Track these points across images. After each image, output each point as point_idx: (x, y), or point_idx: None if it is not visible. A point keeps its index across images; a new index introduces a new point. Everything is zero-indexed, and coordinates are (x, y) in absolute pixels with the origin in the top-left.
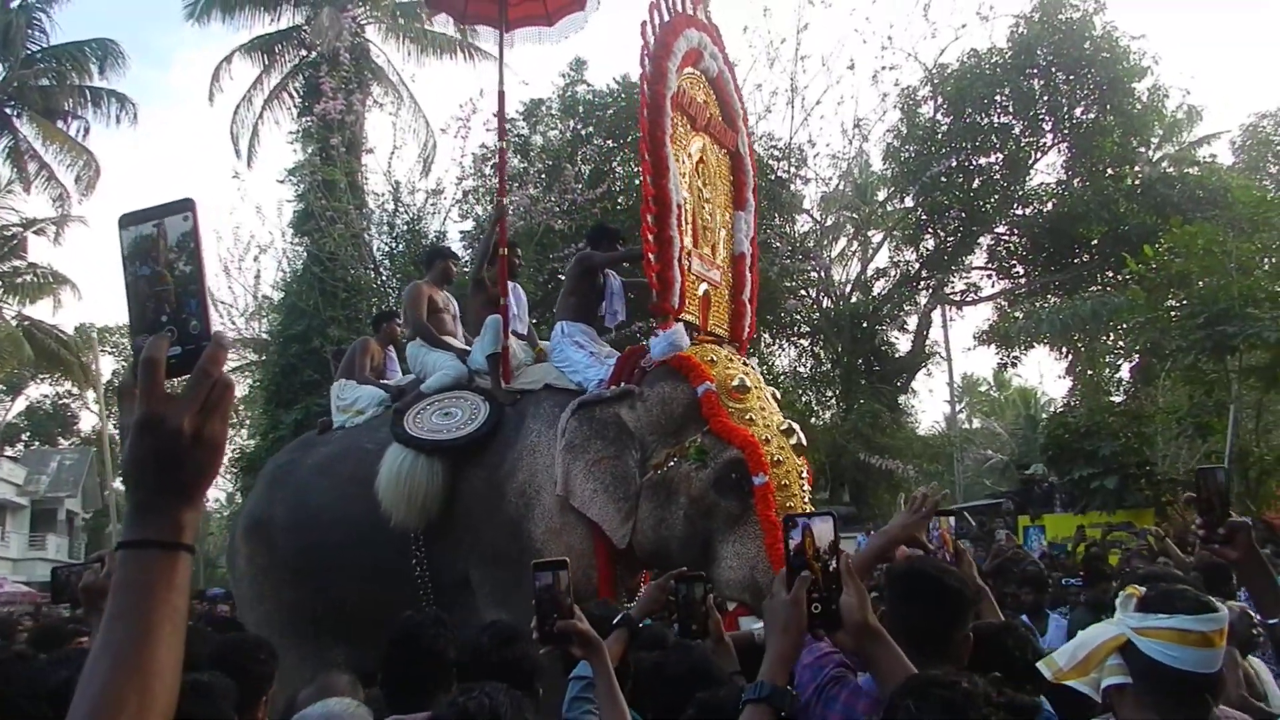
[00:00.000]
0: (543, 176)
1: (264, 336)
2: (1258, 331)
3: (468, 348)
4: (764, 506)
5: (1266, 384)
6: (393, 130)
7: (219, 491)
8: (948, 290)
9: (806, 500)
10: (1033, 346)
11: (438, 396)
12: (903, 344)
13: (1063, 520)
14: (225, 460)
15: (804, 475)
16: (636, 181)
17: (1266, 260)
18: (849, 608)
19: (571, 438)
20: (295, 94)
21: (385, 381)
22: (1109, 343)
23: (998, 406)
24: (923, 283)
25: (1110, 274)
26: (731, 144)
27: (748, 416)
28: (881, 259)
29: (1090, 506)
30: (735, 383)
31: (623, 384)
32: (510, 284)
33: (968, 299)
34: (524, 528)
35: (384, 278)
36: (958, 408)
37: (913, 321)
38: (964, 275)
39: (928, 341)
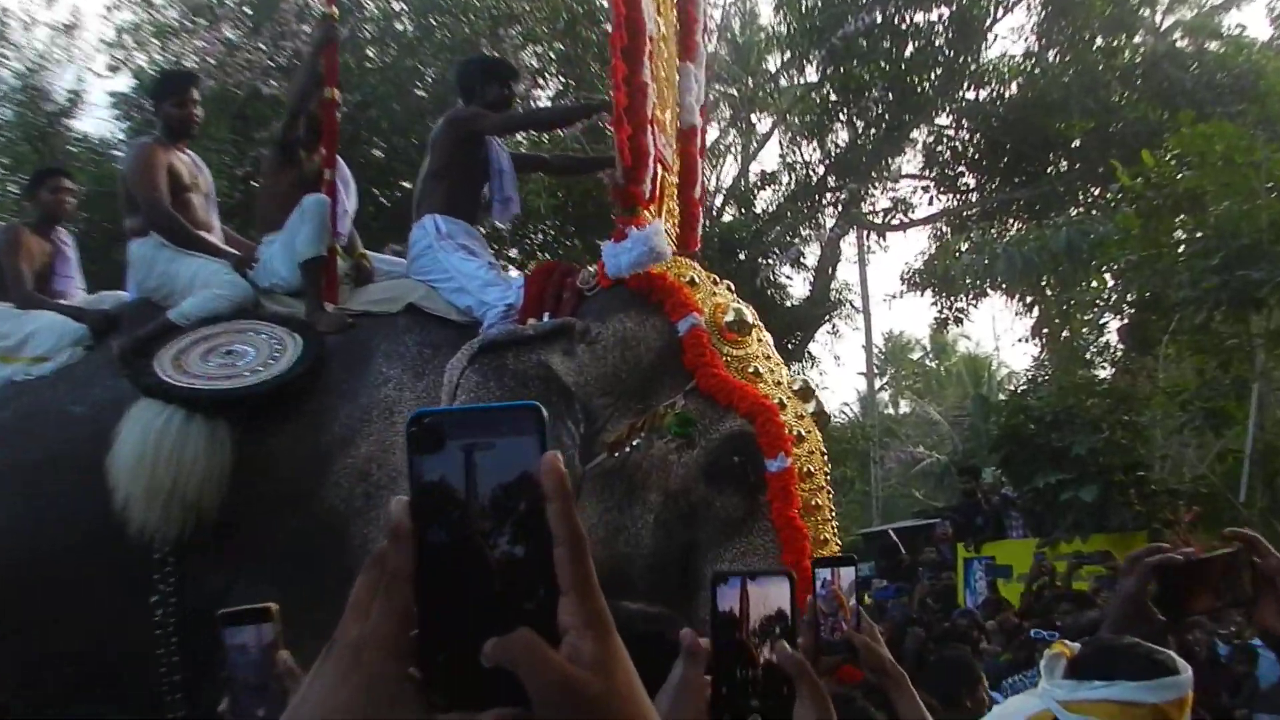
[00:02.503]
0: (247, 12)
1: None
2: None
3: (242, 253)
4: (783, 504)
5: None
6: None
7: None
8: (865, 209)
9: (830, 498)
10: (985, 294)
11: (205, 330)
12: (797, 286)
13: (1018, 549)
14: None
15: (825, 455)
16: (397, 25)
17: None
18: None
19: (468, 401)
20: None
21: (67, 302)
22: (1091, 289)
23: (935, 382)
24: (829, 195)
25: (1095, 191)
26: None
27: (750, 368)
28: (769, 157)
29: (1058, 529)
30: (730, 317)
31: (548, 316)
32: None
33: (894, 222)
34: (356, 528)
35: None
36: (877, 383)
37: (813, 253)
38: (889, 187)
39: (834, 283)
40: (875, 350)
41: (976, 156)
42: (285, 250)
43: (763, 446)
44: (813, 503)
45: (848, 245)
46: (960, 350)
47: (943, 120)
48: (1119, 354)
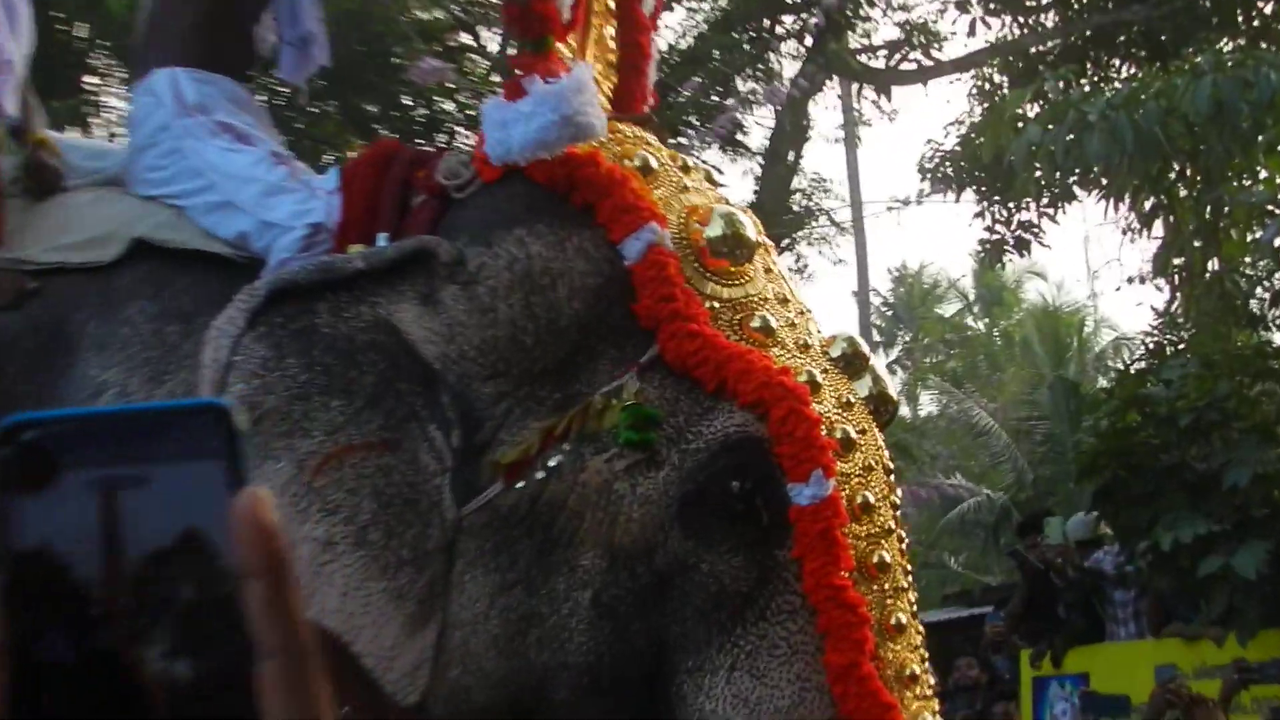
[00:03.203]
0: None
1: None
2: None
3: None
4: (822, 562)
5: None
6: None
7: None
8: (854, 43)
9: (904, 548)
10: (1072, 197)
11: None
12: (735, 183)
13: (1131, 660)
14: None
15: (891, 473)
16: None
17: None
18: None
19: (250, 391)
20: None
21: None
22: (1259, 185)
23: (984, 357)
24: (790, 19)
25: (1264, 7)
26: None
27: (755, 320)
28: None
29: (1198, 620)
30: (714, 229)
31: (387, 238)
32: None
33: (906, 67)
34: None
35: None
36: (883, 358)
37: (762, 125)
38: (897, 4)
39: (799, 179)
40: (875, 301)
41: None
42: None
43: (783, 461)
44: (874, 558)
45: (823, 109)
46: (1028, 300)
47: None
48: None
